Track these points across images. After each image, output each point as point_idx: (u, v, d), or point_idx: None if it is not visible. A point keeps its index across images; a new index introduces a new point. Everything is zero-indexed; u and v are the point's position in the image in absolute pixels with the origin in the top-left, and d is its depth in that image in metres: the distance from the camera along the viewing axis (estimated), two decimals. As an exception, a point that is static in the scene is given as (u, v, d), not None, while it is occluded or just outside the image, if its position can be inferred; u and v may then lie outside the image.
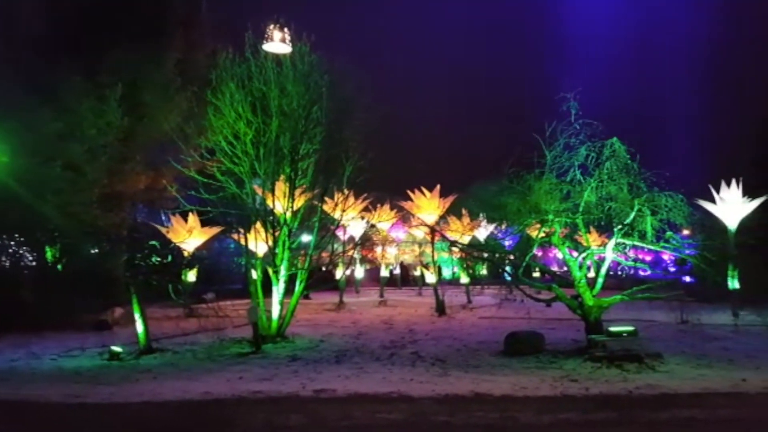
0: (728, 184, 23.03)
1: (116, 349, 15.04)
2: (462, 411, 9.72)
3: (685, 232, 18.14)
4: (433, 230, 25.67)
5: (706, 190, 23.34)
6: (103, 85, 21.89)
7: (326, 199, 20.22)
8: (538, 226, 15.13)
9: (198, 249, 27.75)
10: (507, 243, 21.41)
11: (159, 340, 17.04)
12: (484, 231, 30.86)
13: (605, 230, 16.94)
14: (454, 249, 22.55)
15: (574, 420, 9.22)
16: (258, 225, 18.38)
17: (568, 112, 14.39)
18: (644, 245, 15.27)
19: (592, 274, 19.85)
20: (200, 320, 20.33)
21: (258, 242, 18.59)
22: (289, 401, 10.58)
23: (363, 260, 39.00)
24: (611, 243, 14.93)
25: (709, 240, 16.09)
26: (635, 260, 19.63)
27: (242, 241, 18.96)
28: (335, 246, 25.05)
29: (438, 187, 32.03)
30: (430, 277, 29.86)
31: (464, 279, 31.19)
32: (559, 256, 18.14)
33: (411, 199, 32.62)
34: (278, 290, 17.82)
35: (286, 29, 18.39)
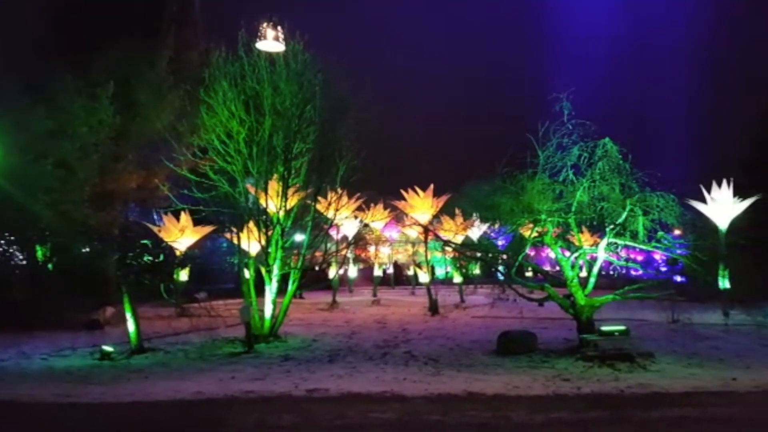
0: (719, 185, 23.20)
1: (107, 348, 14.94)
2: (455, 410, 9.73)
3: (677, 232, 18.23)
4: (426, 230, 25.69)
5: (698, 190, 23.51)
6: (95, 83, 21.81)
7: (319, 198, 20.19)
8: (531, 225, 15.19)
9: (190, 248, 27.64)
10: (500, 242, 21.50)
11: (151, 340, 16.96)
12: (477, 230, 30.94)
13: (597, 230, 17.03)
14: (447, 248, 22.62)
15: (566, 419, 9.25)
16: (251, 224, 18.32)
17: (560, 112, 14.45)
18: (636, 245, 15.33)
19: (584, 273, 19.94)
20: (192, 320, 20.25)
21: (251, 241, 18.53)
22: (281, 401, 10.56)
23: (356, 260, 39.01)
24: (603, 243, 15.00)
25: (700, 240, 16.18)
26: (627, 260, 19.69)
27: (235, 241, 18.91)
28: (328, 245, 25.04)
29: (431, 186, 32.12)
30: (424, 277, 29.88)
31: (457, 278, 31.24)
32: (552, 255, 18.19)
33: (404, 199, 32.67)
34: (271, 290, 17.78)
35: (279, 28, 18.31)
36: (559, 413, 9.52)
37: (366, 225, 34.33)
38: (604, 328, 13.84)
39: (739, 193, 23.04)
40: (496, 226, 20.03)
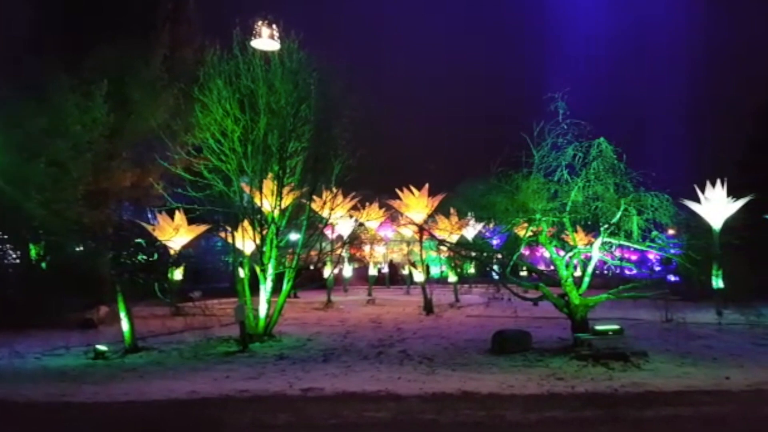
0: (713, 185, 23.32)
1: (101, 347, 14.90)
2: (449, 409, 9.74)
3: (671, 231, 18.30)
4: (421, 229, 25.71)
5: (692, 190, 23.63)
6: (88, 81, 21.67)
7: (314, 197, 20.17)
8: (526, 225, 15.22)
9: (184, 247, 27.61)
10: (495, 242, 21.50)
11: (145, 339, 16.93)
12: (472, 230, 30.95)
13: (592, 229, 17.09)
14: (442, 248, 22.62)
15: (561, 418, 9.28)
16: (245, 223, 18.30)
17: (555, 112, 14.49)
18: (630, 244, 15.39)
19: (578, 273, 19.97)
20: (187, 319, 20.21)
21: (245, 240, 18.51)
22: (276, 400, 10.55)
23: (351, 259, 38.99)
24: (598, 242, 15.04)
25: (694, 239, 16.24)
26: (621, 259, 19.75)
27: (229, 240, 18.89)
28: (323, 244, 25.02)
29: (426, 186, 32.15)
30: (419, 276, 29.90)
31: (452, 278, 31.29)
32: (546, 255, 18.22)
33: (399, 198, 32.69)
34: (266, 289, 17.75)
35: (274, 26, 18.26)
36: (554, 412, 9.55)
37: (361, 224, 34.31)
38: (598, 327, 13.89)
39: (733, 193, 23.17)
40: (491, 225, 20.01)
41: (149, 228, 25.89)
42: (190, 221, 26.09)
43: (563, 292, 14.87)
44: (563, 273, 14.90)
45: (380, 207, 34.84)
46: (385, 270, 45.60)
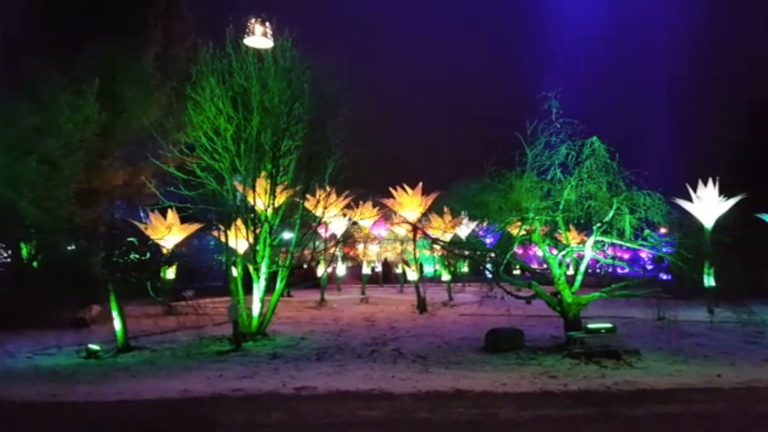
0: (705, 184, 23.46)
1: (94, 347, 14.82)
2: (443, 407, 9.76)
3: (663, 230, 18.40)
4: (415, 228, 25.71)
5: (684, 189, 23.78)
6: (80, 79, 21.54)
7: (308, 196, 20.13)
8: (519, 223, 15.24)
9: (177, 246, 27.51)
10: (488, 241, 21.57)
11: (137, 338, 16.86)
12: (465, 229, 31.03)
13: (584, 228, 17.11)
14: (436, 246, 22.64)
15: (553, 416, 9.31)
16: (238, 222, 18.24)
17: (548, 111, 14.52)
18: (623, 243, 15.45)
19: (571, 271, 20.05)
20: (179, 318, 20.18)
21: (238, 239, 18.45)
22: (269, 399, 10.53)
23: (345, 258, 38.96)
24: (590, 241, 15.10)
25: (686, 238, 16.33)
26: (614, 258, 19.87)
27: (222, 238, 18.81)
28: (317, 243, 24.99)
29: (420, 184, 32.16)
30: (412, 275, 29.92)
31: (446, 276, 31.31)
32: (540, 253, 18.29)
33: (393, 197, 32.69)
34: (259, 288, 17.72)
35: (267, 24, 18.20)
36: (546, 410, 9.58)
37: (355, 223, 34.30)
38: (591, 326, 13.95)
39: (725, 192, 23.33)
40: (485, 224, 20.09)
41: (141, 227, 25.78)
42: (183, 220, 25.99)
43: (556, 291, 14.92)
44: (556, 271, 14.95)
45: (374, 206, 34.82)
46: (379, 269, 45.60)
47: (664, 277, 20.46)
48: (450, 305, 26.94)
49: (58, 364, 13.93)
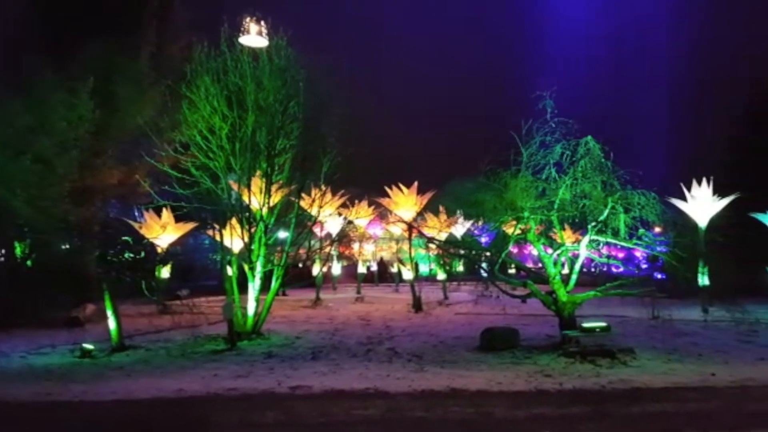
0: (699, 183, 23.55)
1: (88, 346, 14.76)
2: (438, 406, 9.77)
3: (657, 229, 18.45)
4: (410, 227, 25.72)
5: (678, 188, 23.86)
6: (74, 77, 21.45)
7: (303, 195, 20.10)
8: (514, 223, 15.27)
9: (172, 245, 27.42)
10: (483, 240, 21.58)
11: (132, 338, 16.81)
12: (461, 228, 31.04)
13: (579, 227, 17.18)
14: (431, 246, 22.64)
15: (549, 415, 9.33)
16: (233, 221, 18.20)
17: (543, 110, 14.54)
18: (617, 242, 15.50)
19: (566, 270, 20.11)
20: (174, 317, 20.11)
21: (233, 238, 18.41)
22: (264, 398, 10.51)
23: (340, 257, 38.94)
24: (585, 240, 15.14)
25: (680, 237, 16.39)
26: (608, 257, 19.89)
27: (217, 237, 18.76)
28: (312, 242, 24.98)
29: (416, 184, 32.16)
30: (407, 274, 29.93)
31: (441, 275, 31.32)
32: (535, 252, 18.32)
33: (389, 196, 32.68)
34: (254, 287, 17.68)
35: (262, 22, 18.16)
36: (542, 409, 9.60)
37: (350, 222, 34.27)
38: (586, 325, 13.98)
39: (719, 191, 23.43)
40: (480, 223, 20.09)
41: (136, 226, 25.69)
42: (178, 219, 25.90)
43: (551, 290, 14.95)
44: (551, 270, 14.98)
45: (369, 205, 34.80)
46: (374, 268, 45.59)
47: (659, 276, 20.52)
48: (445, 304, 26.95)
49: (52, 364, 13.87)
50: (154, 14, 25.71)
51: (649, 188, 14.40)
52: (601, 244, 16.50)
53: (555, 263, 15.34)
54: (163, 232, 25.04)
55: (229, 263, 18.50)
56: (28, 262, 24.79)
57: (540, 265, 17.96)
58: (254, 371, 12.66)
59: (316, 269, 31.35)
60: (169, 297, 25.54)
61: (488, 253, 17.73)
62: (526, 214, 14.71)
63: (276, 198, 18.37)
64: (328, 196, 22.00)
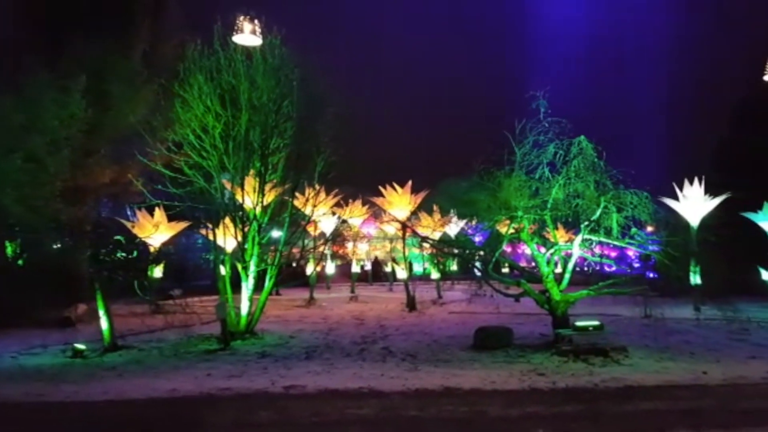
0: (691, 183, 23.69)
1: (80, 346, 14.69)
2: (432, 405, 9.78)
3: (650, 228, 18.54)
4: (404, 226, 25.72)
5: (670, 188, 23.98)
6: (66, 76, 21.29)
7: (297, 194, 20.07)
8: (508, 222, 15.31)
9: (165, 244, 27.33)
10: (477, 239, 21.60)
11: (124, 337, 16.73)
12: (454, 227, 31.07)
13: (572, 226, 17.21)
14: (425, 245, 22.66)
15: (542, 413, 9.36)
16: (227, 220, 18.15)
17: (537, 110, 14.59)
18: (610, 241, 15.56)
19: (559, 269, 20.16)
20: (167, 317, 19.98)
21: (227, 238, 18.36)
22: (258, 398, 10.49)
23: (334, 256, 38.90)
24: (578, 239, 15.19)
25: (672, 236, 16.47)
26: (601, 256, 19.96)
27: (210, 237, 18.71)
28: (306, 242, 24.93)
29: (410, 183, 32.17)
30: (401, 273, 29.95)
31: (435, 275, 31.35)
32: (528, 252, 18.36)
33: (383, 195, 32.68)
34: (247, 286, 17.64)
35: (256, 21, 18.12)
36: (535, 407, 9.63)
37: (344, 221, 34.24)
38: (579, 323, 14.03)
39: (710, 191, 23.57)
40: (474, 222, 20.11)
41: (128, 225, 25.58)
42: (170, 218, 25.81)
43: (544, 289, 14.99)
44: (544, 270, 15.03)
45: (363, 204, 34.79)
46: (368, 267, 45.57)
47: (651, 274, 20.61)
48: (439, 303, 26.98)
49: (44, 364, 13.79)
50: (148, 12, 25.56)
51: (641, 188, 14.48)
52: (594, 243, 16.56)
53: (548, 262, 15.39)
54: (156, 231, 24.95)
55: (223, 262, 18.45)
56: (20, 262, 24.61)
57: (533, 264, 18.01)
58: (248, 371, 12.63)
59: (309, 269, 31.32)
60: (162, 297, 25.42)
61: (482, 252, 17.75)
62: (519, 213, 14.74)
63: (269, 197, 18.33)
64: (322, 195, 21.97)
